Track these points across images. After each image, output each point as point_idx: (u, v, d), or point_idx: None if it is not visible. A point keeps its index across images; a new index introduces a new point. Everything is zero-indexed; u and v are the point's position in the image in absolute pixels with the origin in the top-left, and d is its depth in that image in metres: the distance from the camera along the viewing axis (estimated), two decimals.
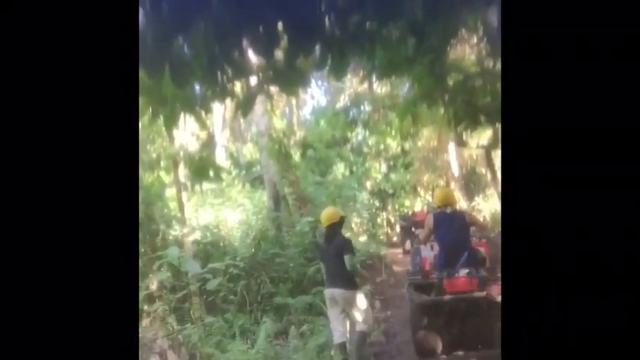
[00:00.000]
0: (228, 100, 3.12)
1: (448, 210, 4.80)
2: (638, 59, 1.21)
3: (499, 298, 3.96)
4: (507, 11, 1.33)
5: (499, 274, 4.25)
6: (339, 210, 5.31)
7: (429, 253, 5.05)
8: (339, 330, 4.63)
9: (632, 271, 1.20)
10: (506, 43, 1.33)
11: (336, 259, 4.57)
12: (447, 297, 4.22)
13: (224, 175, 8.21)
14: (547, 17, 1.28)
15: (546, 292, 1.26)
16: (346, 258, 4.52)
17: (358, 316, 4.59)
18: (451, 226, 4.64)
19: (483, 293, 4.19)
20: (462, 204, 12.23)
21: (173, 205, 8.02)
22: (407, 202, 15.96)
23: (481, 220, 9.78)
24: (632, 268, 1.20)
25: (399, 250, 11.78)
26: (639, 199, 1.20)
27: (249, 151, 15.19)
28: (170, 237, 7.52)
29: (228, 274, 6.97)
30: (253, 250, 8.14)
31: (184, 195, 7.44)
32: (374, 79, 6.82)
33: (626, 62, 1.22)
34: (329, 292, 4.66)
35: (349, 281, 4.57)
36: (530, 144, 1.29)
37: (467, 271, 4.30)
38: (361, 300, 4.64)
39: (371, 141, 14.89)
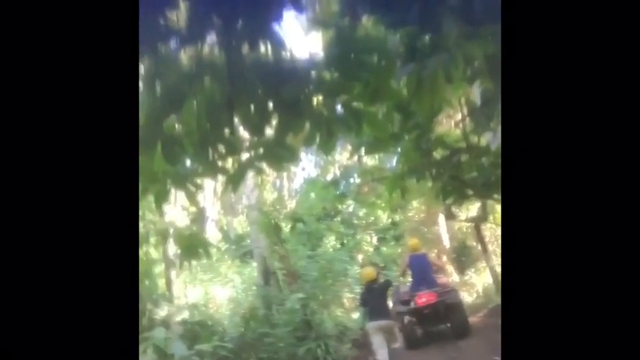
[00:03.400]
0: (219, 175, 3.15)
1: (417, 253, 7.55)
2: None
3: (448, 301, 7.00)
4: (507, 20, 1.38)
5: (447, 289, 7.29)
6: (374, 268, 7.40)
7: (405, 289, 7.59)
8: (382, 351, 6.03)
9: (632, 272, 1.19)
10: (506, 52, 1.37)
11: (380, 298, 6.37)
12: (417, 306, 6.94)
13: (214, 251, 8.13)
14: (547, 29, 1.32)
15: (546, 294, 1.25)
16: (390, 290, 6.83)
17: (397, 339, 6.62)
18: (420, 263, 7.40)
19: (440, 299, 6.92)
20: (454, 277, 12.08)
21: (161, 282, 7.82)
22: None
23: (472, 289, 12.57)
24: (632, 268, 1.19)
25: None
26: (638, 200, 1.20)
27: (240, 225, 15.03)
28: (157, 317, 7.25)
29: (216, 356, 6.67)
30: (242, 329, 7.84)
31: (173, 272, 7.28)
32: (362, 153, 6.99)
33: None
34: (375, 324, 6.19)
35: (389, 314, 6.51)
36: (529, 144, 1.31)
37: (429, 289, 7.00)
38: (395, 328, 6.63)
39: (361, 213, 14.88)
